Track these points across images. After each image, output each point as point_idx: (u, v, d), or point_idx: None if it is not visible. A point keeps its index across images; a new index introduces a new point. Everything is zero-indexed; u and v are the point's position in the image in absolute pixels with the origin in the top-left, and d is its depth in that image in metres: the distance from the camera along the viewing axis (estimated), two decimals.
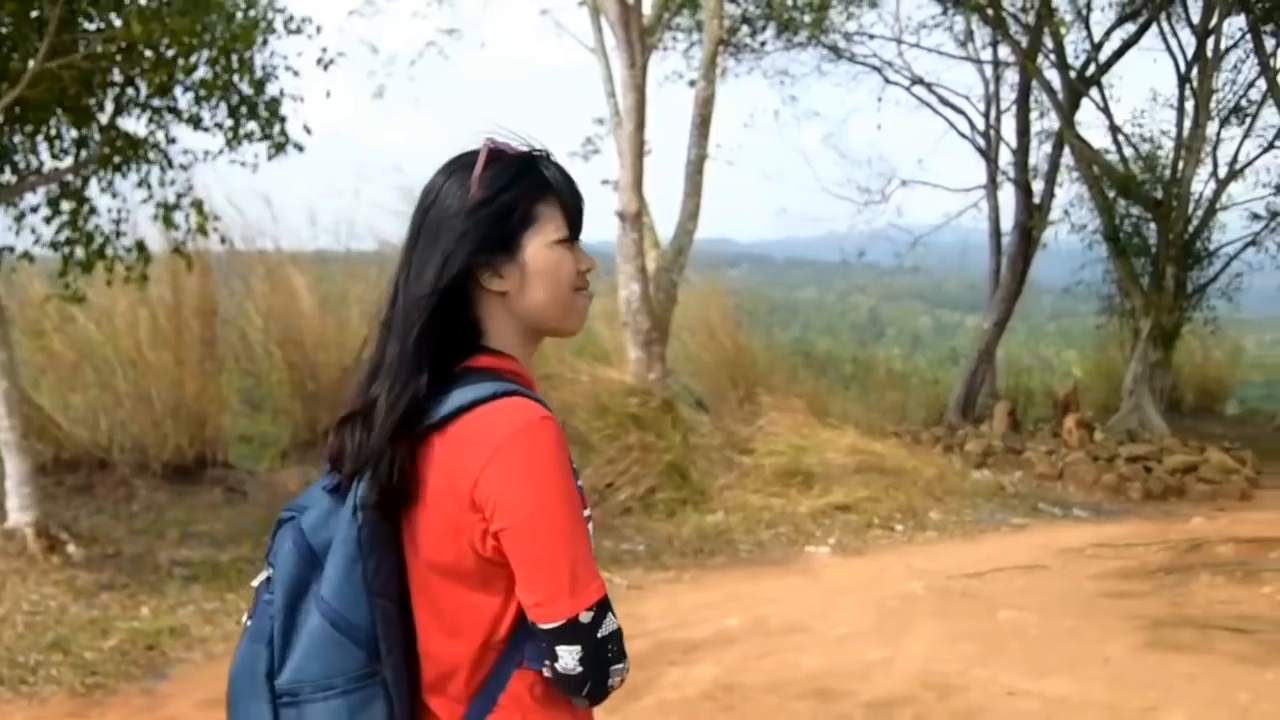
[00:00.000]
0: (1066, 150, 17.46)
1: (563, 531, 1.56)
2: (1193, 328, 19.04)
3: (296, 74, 7.84)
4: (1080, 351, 23.50)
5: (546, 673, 1.59)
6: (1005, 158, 18.74)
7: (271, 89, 7.77)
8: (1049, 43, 16.87)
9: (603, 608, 1.57)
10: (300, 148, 7.98)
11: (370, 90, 14.39)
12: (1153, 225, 17.07)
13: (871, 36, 18.62)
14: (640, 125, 11.37)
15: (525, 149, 1.73)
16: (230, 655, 5.55)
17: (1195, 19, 17.31)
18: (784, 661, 6.12)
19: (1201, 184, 17.70)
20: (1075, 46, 17.95)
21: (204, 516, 8.99)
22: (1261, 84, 18.70)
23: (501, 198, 1.66)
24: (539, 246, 1.69)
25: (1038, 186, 17.78)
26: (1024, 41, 16.84)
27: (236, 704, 1.65)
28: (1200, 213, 17.46)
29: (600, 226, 13.52)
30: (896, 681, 5.79)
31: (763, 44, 17.65)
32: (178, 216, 8.10)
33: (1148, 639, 6.49)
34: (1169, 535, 9.51)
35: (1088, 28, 17.90)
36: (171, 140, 7.98)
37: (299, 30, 7.72)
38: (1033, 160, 18.00)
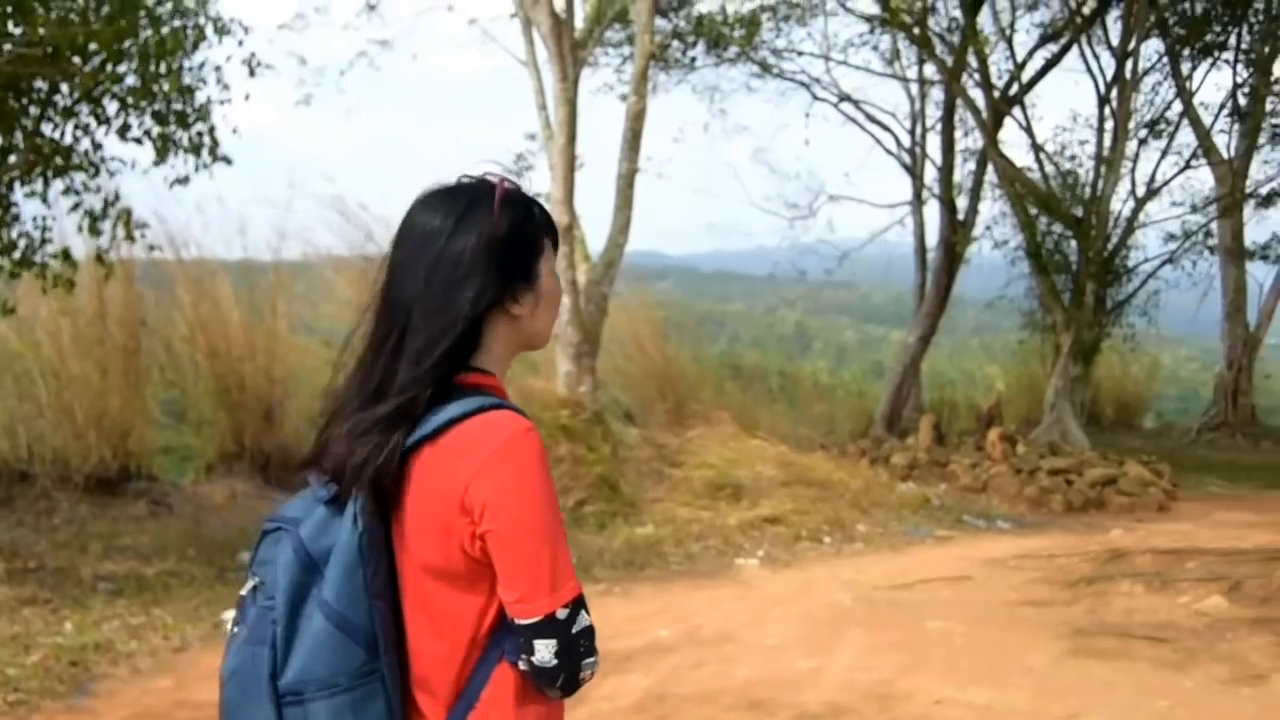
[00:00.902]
0: (990, 168, 17.77)
1: (544, 533, 1.67)
2: (1112, 343, 19.45)
3: (226, 86, 7.76)
4: (1002, 366, 23.82)
5: (523, 666, 1.68)
6: (930, 174, 19.04)
7: (200, 97, 7.68)
8: (973, 62, 17.17)
9: (577, 605, 1.68)
10: (229, 161, 7.90)
11: (297, 99, 14.26)
12: (1073, 242, 17.42)
13: (800, 53, 18.86)
14: (572, 138, 11.40)
15: (517, 181, 1.85)
16: (158, 670, 5.43)
17: (1115, 41, 17.73)
18: (715, 672, 6.15)
19: (1120, 202, 18.13)
20: (999, 66, 18.33)
21: (128, 530, 8.85)
22: (1178, 105, 19.20)
23: (526, 230, 1.81)
24: (547, 273, 1.85)
25: (962, 203, 18.09)
26: (949, 61, 17.10)
27: (236, 708, 1.70)
28: (1119, 230, 17.84)
29: None
30: (826, 691, 5.85)
31: (693, 60, 17.80)
32: (104, 225, 7.98)
33: (1069, 647, 6.62)
34: (1089, 546, 9.69)
35: (1011, 48, 18.27)
36: (98, 147, 7.87)
37: (228, 31, 7.63)
38: (957, 177, 18.31)
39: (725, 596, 8.10)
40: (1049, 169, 18.54)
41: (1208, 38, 19.09)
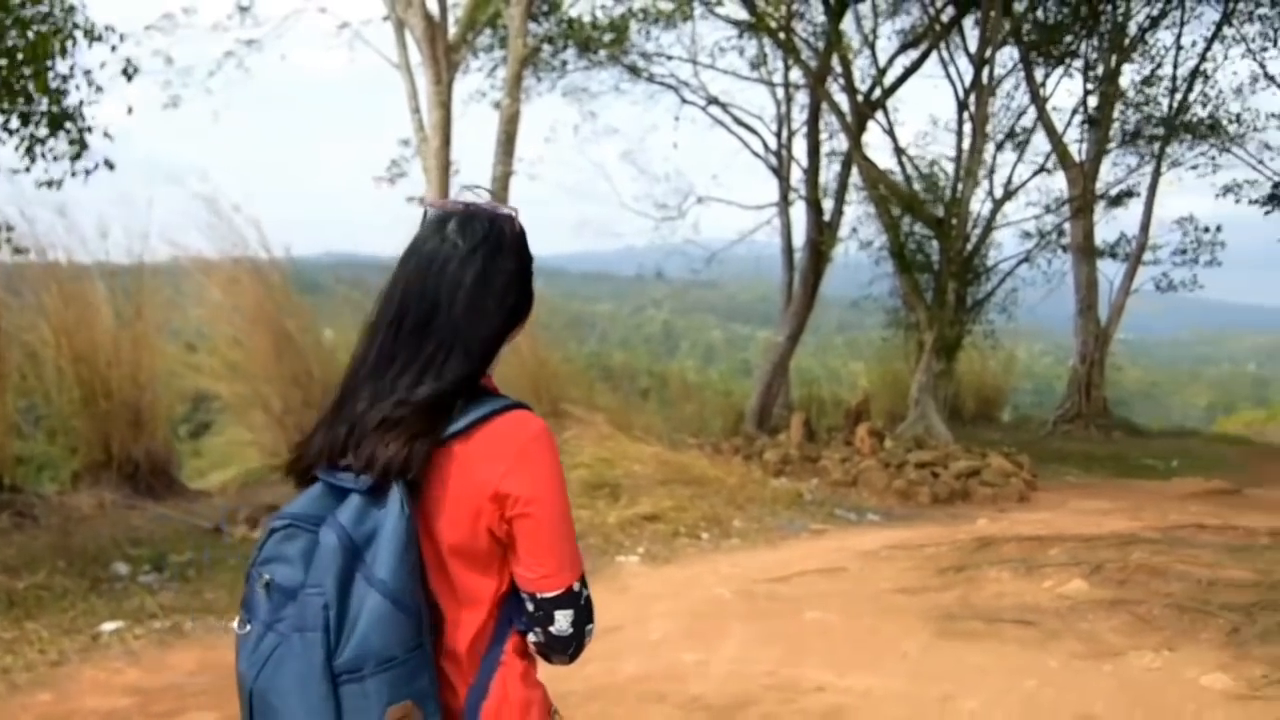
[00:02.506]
0: (854, 170, 18.18)
1: (566, 518, 1.91)
2: (973, 340, 20.05)
3: (100, 89, 7.60)
4: (866, 363, 24.36)
5: (534, 638, 1.92)
6: (797, 176, 19.41)
7: (72, 100, 7.51)
8: (838, 67, 17.54)
9: (584, 581, 1.93)
10: (111, 165, 7.74)
11: (165, 101, 13.95)
12: (935, 242, 17.93)
13: (669, 57, 19.08)
14: (446, 142, 11.39)
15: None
16: (37, 685, 5.30)
17: (972, 49, 18.27)
18: (602, 668, 6.23)
19: (979, 203, 18.71)
20: (862, 71, 18.75)
21: None
22: (1033, 111, 19.90)
23: (530, 259, 2.04)
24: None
25: (828, 204, 18.49)
26: (814, 65, 17.45)
27: (285, 694, 1.76)
28: (978, 231, 18.40)
29: (407, 243, 13.43)
30: (712, 683, 5.99)
31: (564, 63, 17.88)
32: None
33: (942, 632, 6.85)
34: (957, 536, 10.01)
35: (874, 54, 18.70)
36: None
37: (100, 38, 7.49)
38: (823, 179, 18.72)
39: (607, 594, 8.16)
40: (911, 171, 19.06)
41: (1060, 47, 19.83)
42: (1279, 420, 31.67)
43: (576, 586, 1.91)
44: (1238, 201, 21.65)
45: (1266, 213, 21.26)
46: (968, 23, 18.57)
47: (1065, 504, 12.62)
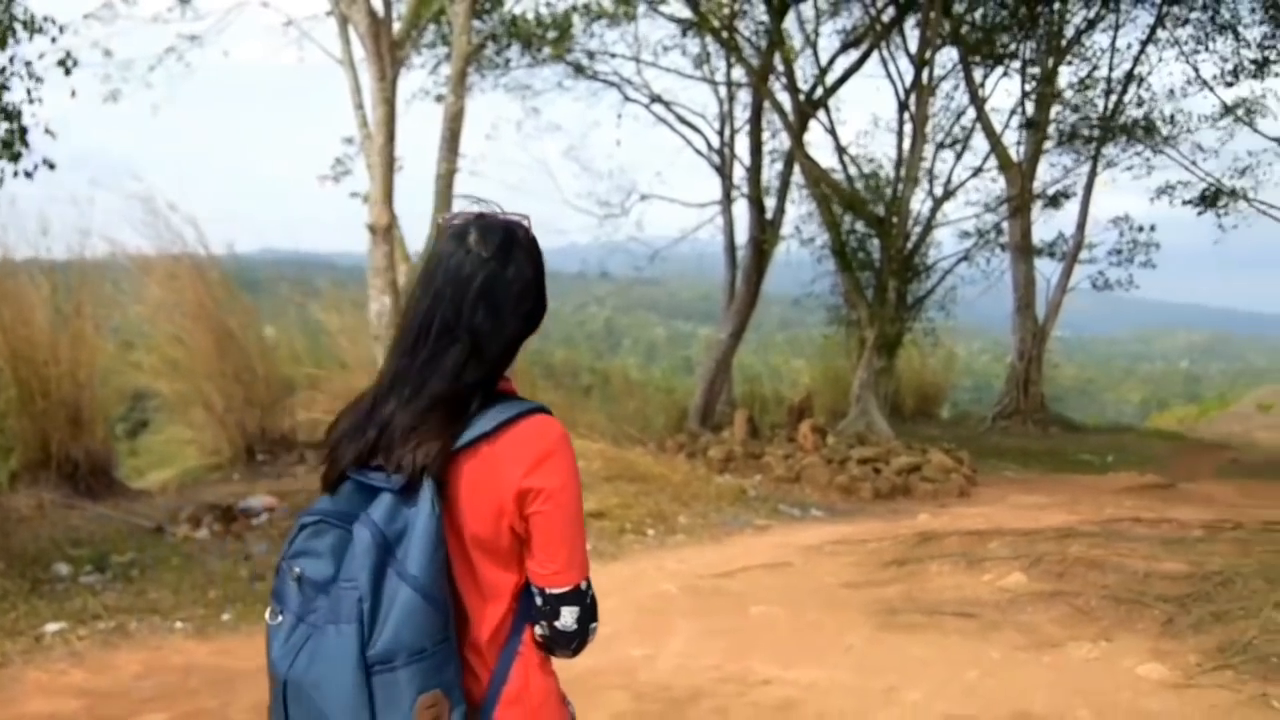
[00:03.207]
0: (796, 169, 18.29)
1: (579, 519, 2.00)
2: (913, 337, 20.26)
3: (40, 80, 7.50)
4: (808, 360, 24.51)
5: (540, 631, 2.01)
6: (739, 174, 19.47)
7: (11, 95, 7.40)
8: (780, 66, 17.65)
9: (589, 581, 2.03)
10: (51, 165, 7.64)
11: (104, 95, 13.75)
12: (876, 241, 18.08)
13: (612, 55, 19.08)
14: (390, 138, 11.34)
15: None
16: None
17: (913, 49, 18.45)
18: (555, 664, 6.25)
19: (919, 203, 18.91)
20: (804, 71, 18.86)
21: None
22: (972, 111, 20.15)
23: (542, 261, 2.12)
24: None
25: (770, 203, 18.54)
26: (756, 64, 17.54)
27: (320, 683, 1.83)
28: (919, 229, 18.60)
29: (351, 240, 13.37)
30: (661, 676, 6.04)
31: (507, 61, 17.85)
32: None
33: (885, 626, 6.96)
34: (899, 531, 10.14)
35: (815, 53, 18.83)
36: None
37: (40, 30, 7.39)
38: (765, 177, 18.76)
39: None
40: (853, 170, 19.24)
41: (998, 48, 20.09)
42: (1210, 416, 32.30)
43: (584, 585, 2.00)
44: (1172, 203, 22.06)
45: (1199, 213, 21.69)
46: (908, 24, 18.77)
47: (1004, 499, 12.81)
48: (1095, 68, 22.14)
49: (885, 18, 18.32)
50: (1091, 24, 21.54)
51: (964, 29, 19.11)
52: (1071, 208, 22.82)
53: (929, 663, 6.20)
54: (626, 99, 19.58)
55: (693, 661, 6.32)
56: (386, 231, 11.25)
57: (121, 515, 9.76)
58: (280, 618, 1.91)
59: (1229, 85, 20.99)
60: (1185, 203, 21.84)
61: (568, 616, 1.98)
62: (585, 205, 20.84)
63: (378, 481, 1.91)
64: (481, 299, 1.99)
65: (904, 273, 17.99)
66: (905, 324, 18.64)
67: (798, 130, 17.56)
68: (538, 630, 2.01)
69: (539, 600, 1.99)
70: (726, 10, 17.18)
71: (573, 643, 2.01)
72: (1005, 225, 21.95)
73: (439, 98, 14.49)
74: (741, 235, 19.22)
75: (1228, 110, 21.21)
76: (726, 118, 20.00)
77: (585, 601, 2.00)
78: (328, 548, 1.89)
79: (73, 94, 7.96)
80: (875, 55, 18.69)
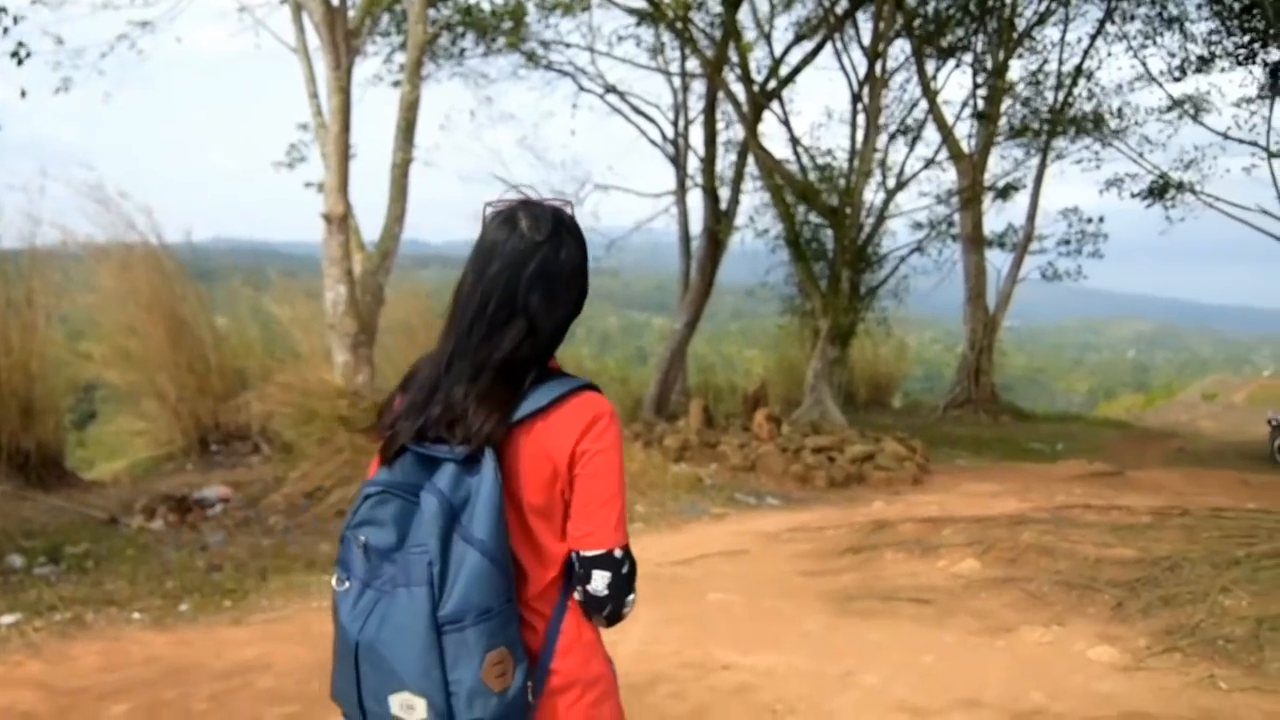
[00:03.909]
0: (751, 159, 18.36)
1: (619, 488, 2.08)
2: (865, 327, 20.41)
3: None
4: (762, 350, 24.61)
5: (578, 594, 2.08)
6: (694, 165, 19.53)
7: None
8: (734, 57, 17.68)
9: (627, 552, 2.09)
10: None
11: (55, 84, 13.54)
12: (830, 231, 18.18)
13: (567, 45, 19.06)
14: (345, 127, 11.27)
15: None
16: None
17: (866, 41, 18.55)
18: None
19: (872, 194, 19.03)
20: (758, 62, 18.92)
21: None
22: (925, 103, 20.29)
23: (585, 244, 2.20)
24: None
25: (724, 193, 18.61)
26: (711, 55, 17.57)
27: (390, 644, 1.91)
28: (872, 220, 18.71)
29: (306, 230, 13.28)
30: (623, 662, 6.05)
31: (462, 51, 17.79)
32: None
33: (841, 611, 7.04)
34: (854, 518, 10.23)
35: (770, 45, 18.90)
36: None
37: None
38: (719, 168, 18.84)
39: None
40: (806, 161, 19.31)
41: (950, 40, 20.24)
42: (1157, 405, 32.79)
43: (618, 554, 2.05)
44: (1120, 195, 22.35)
45: (1147, 205, 21.99)
46: (861, 16, 18.86)
47: (957, 486, 12.95)
48: (1045, 61, 22.41)
49: (839, 10, 18.40)
50: (1042, 18, 21.78)
51: (916, 22, 19.23)
52: (1022, 199, 23.10)
53: (885, 648, 6.28)
54: (581, 89, 19.61)
55: (652, 648, 6.35)
56: (342, 221, 11.18)
57: (75, 506, 9.68)
58: (347, 584, 1.99)
59: (1176, 80, 21.33)
60: (1134, 195, 22.15)
61: (598, 581, 2.04)
62: (539, 195, 20.78)
63: (440, 453, 1.99)
64: (537, 281, 2.08)
65: (857, 263, 18.10)
66: (858, 314, 18.77)
67: (752, 121, 17.62)
68: (576, 594, 2.08)
69: (576, 563, 2.06)
70: (681, 1, 17.19)
71: (605, 608, 2.06)
72: (957, 216, 22.14)
73: (396, 83, 14.39)
74: (696, 225, 19.30)
75: (1174, 104, 21.51)
76: (681, 108, 20.06)
77: (620, 570, 2.05)
78: (390, 516, 1.97)
79: (23, 94, 7.86)
80: (829, 47, 18.81)
